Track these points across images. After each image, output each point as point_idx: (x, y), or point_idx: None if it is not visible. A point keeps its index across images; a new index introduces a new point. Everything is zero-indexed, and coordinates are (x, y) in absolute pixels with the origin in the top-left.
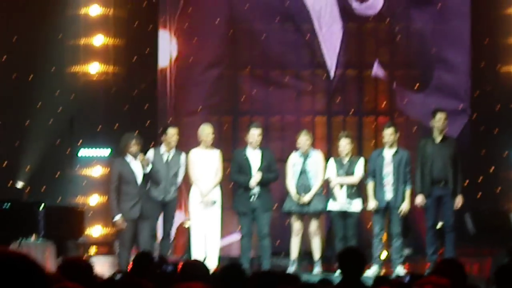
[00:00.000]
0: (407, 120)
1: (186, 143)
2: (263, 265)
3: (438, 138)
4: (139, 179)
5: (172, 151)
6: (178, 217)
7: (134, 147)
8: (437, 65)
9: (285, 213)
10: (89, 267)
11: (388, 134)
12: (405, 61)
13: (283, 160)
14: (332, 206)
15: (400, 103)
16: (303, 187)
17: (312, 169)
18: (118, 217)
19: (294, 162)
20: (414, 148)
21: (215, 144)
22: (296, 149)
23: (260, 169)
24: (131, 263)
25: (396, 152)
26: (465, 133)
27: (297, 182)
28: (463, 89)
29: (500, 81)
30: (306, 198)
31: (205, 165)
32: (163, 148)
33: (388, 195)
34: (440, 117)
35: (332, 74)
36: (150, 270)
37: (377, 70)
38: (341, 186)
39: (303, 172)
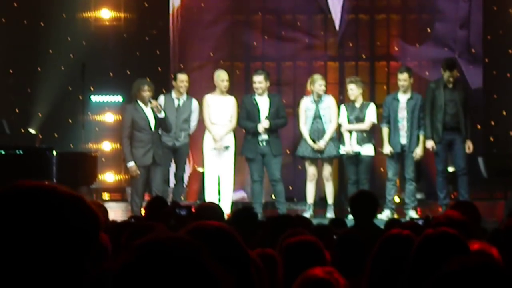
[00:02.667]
0: (420, 64)
1: (198, 89)
2: (280, 210)
3: (450, 84)
4: (152, 125)
5: (183, 97)
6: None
7: (146, 93)
8: (434, 14)
9: (299, 158)
10: (105, 211)
11: (403, 79)
12: (417, 6)
13: (295, 106)
14: (343, 150)
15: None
16: (317, 132)
17: (325, 114)
18: (131, 164)
19: (306, 107)
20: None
21: (228, 89)
22: (308, 93)
23: (268, 115)
24: (144, 208)
25: (411, 97)
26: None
27: (310, 127)
28: (454, 38)
29: None
30: (321, 144)
31: (219, 110)
32: (173, 94)
33: (403, 139)
34: (446, 76)
35: (337, 25)
36: (164, 214)
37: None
38: (351, 132)
39: (316, 117)
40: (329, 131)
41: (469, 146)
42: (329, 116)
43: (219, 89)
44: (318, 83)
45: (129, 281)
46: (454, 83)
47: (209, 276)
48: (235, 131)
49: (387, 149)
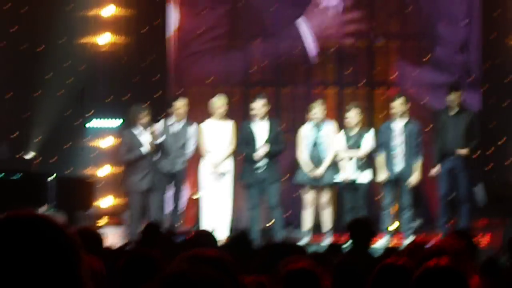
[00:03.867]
0: (418, 91)
1: (197, 113)
2: (277, 236)
3: (452, 111)
4: (148, 151)
5: (182, 123)
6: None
7: (144, 119)
8: (433, 39)
9: (297, 185)
10: (99, 237)
11: (398, 105)
12: (415, 32)
13: (294, 131)
14: (340, 177)
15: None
16: (316, 159)
17: (325, 141)
18: (144, 148)
19: (306, 133)
20: (422, 119)
21: (226, 114)
22: (308, 120)
23: (266, 141)
24: (140, 234)
25: (407, 123)
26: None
27: (309, 153)
28: (453, 62)
29: (511, 53)
30: (320, 171)
31: (217, 136)
32: (172, 119)
33: (399, 166)
34: (452, 99)
35: (311, 53)
36: (160, 241)
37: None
38: (350, 158)
39: (315, 143)
40: (328, 158)
41: (462, 152)
42: (328, 143)
43: (217, 115)
44: (315, 110)
45: None
46: (457, 109)
47: None
48: (235, 157)
49: (382, 176)
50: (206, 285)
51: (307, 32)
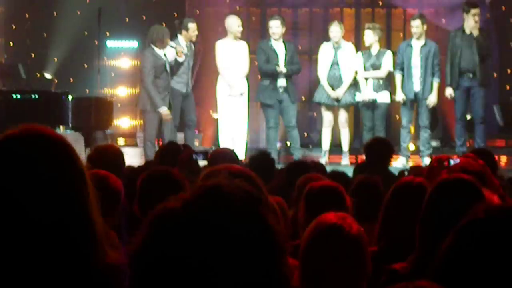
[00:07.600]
0: (435, 12)
1: (214, 33)
2: (294, 156)
3: (467, 30)
4: (169, 71)
5: (189, 44)
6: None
7: (166, 39)
8: None
9: (314, 104)
10: (121, 155)
11: (415, 26)
12: None
13: (311, 53)
14: (359, 97)
15: None
16: (333, 79)
17: (343, 61)
18: (164, 109)
19: (326, 52)
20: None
21: (244, 35)
22: (328, 39)
23: (284, 62)
24: (158, 153)
25: (425, 44)
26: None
27: (328, 73)
28: None
29: None
30: (339, 92)
31: (233, 56)
32: (183, 41)
33: (416, 87)
34: (474, 12)
35: None
36: (180, 160)
37: None
38: (367, 79)
39: (334, 63)
40: (347, 79)
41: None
42: (347, 63)
43: (232, 35)
44: (331, 29)
45: (187, 219)
46: (472, 29)
47: (267, 225)
48: (248, 78)
49: (400, 96)
50: (243, 198)
51: None
